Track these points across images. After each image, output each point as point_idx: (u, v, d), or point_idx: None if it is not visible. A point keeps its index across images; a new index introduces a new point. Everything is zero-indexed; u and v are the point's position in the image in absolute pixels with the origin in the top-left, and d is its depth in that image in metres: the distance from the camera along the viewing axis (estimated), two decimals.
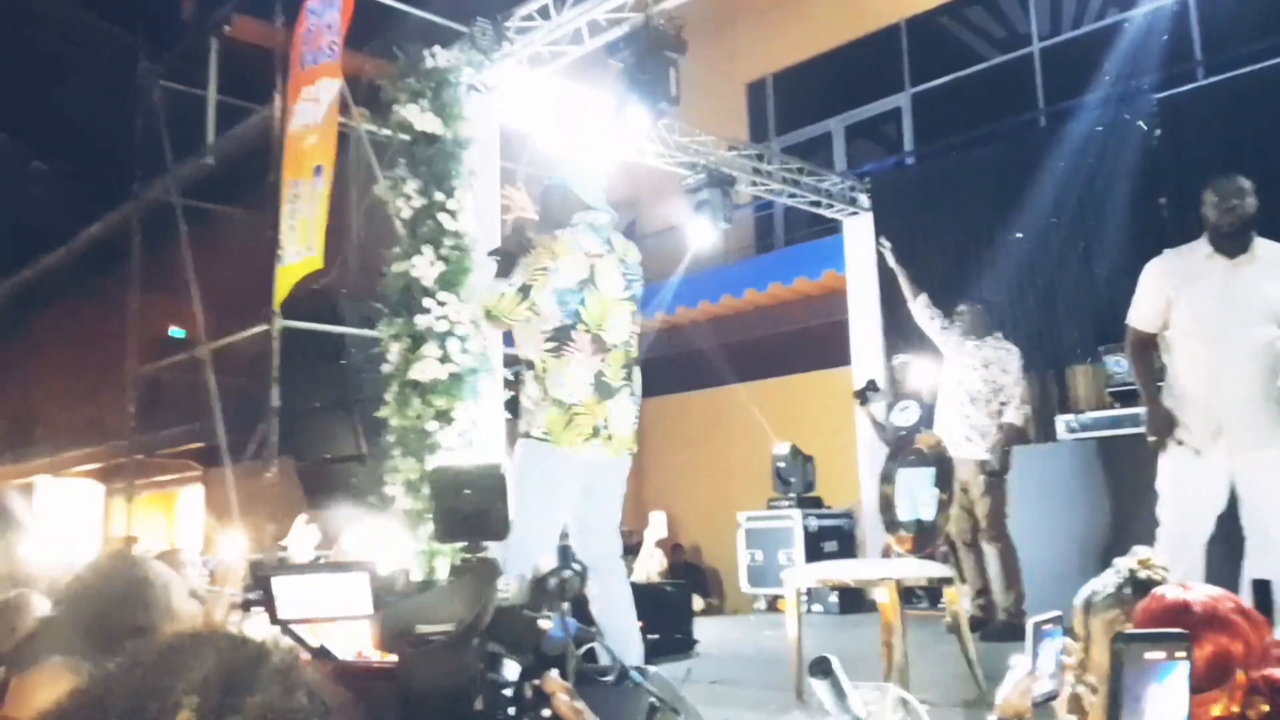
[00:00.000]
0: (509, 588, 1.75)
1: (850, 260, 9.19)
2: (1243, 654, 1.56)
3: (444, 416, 5.61)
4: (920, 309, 6.36)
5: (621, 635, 3.46)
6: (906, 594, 4.73)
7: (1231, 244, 3.96)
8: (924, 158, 10.33)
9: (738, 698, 4.31)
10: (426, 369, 5.62)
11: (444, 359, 5.65)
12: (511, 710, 1.59)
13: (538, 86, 6.49)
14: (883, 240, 7.07)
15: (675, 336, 10.84)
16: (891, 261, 6.74)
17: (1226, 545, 3.94)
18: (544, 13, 6.01)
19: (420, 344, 5.66)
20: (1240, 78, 7.18)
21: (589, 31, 5.98)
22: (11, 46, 13.19)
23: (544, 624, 1.74)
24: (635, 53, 5.59)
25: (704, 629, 6.31)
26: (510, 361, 5.75)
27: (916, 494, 4.54)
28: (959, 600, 4.40)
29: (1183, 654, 1.32)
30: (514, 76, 6.36)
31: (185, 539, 12.83)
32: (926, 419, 6.00)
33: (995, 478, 5.83)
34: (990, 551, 5.83)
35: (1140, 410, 4.75)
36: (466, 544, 1.84)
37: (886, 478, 4.73)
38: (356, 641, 2.58)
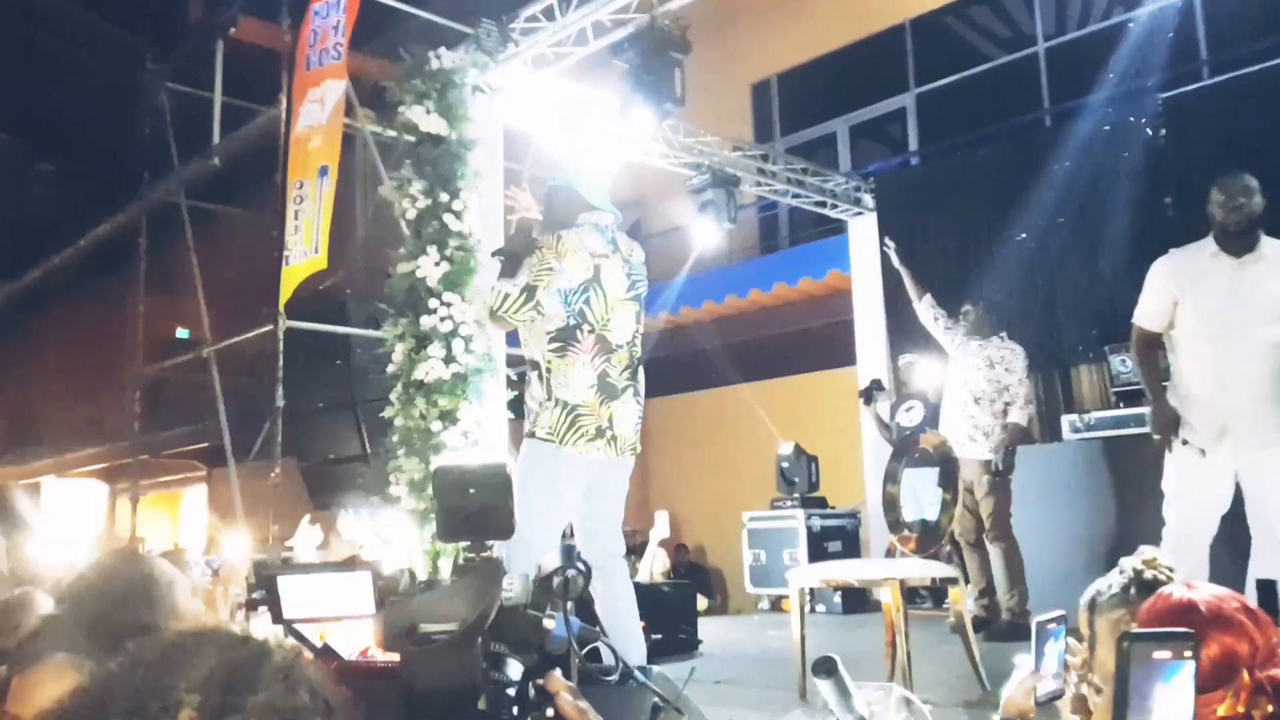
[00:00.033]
0: (512, 587, 1.75)
1: (855, 260, 9.19)
2: (1248, 654, 1.55)
3: (448, 417, 5.62)
4: (925, 309, 6.36)
5: (625, 635, 3.46)
6: (910, 594, 4.73)
7: (1238, 243, 3.95)
8: (929, 158, 10.33)
9: (741, 698, 4.30)
10: (431, 369, 5.63)
11: (448, 359, 5.66)
12: (515, 710, 1.59)
13: (542, 87, 6.50)
14: (887, 241, 7.07)
15: (680, 337, 10.84)
16: (896, 262, 6.74)
17: (1231, 545, 3.94)
18: (549, 14, 6.01)
19: (425, 344, 5.67)
20: (1246, 77, 7.17)
21: (594, 32, 5.98)
22: (15, 47, 13.21)
23: (548, 624, 1.74)
24: (640, 53, 5.59)
25: (707, 629, 6.30)
26: (514, 362, 5.75)
27: (921, 494, 4.54)
28: (963, 600, 4.40)
29: (1189, 653, 1.31)
30: (519, 77, 6.37)
31: (189, 539, 12.85)
32: (931, 419, 6.02)
33: (999, 478, 5.82)
34: (994, 551, 5.82)
35: (1145, 410, 4.74)
36: (470, 543, 1.84)
37: (891, 477, 4.73)
38: (360, 641, 2.58)
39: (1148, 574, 1.91)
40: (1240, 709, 1.49)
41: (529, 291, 3.53)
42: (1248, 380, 3.87)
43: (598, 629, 2.82)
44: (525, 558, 2.17)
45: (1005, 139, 8.75)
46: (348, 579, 1.87)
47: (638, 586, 3.97)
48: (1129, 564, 1.96)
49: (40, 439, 14.80)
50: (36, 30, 13.58)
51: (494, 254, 3.98)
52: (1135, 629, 1.64)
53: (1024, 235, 7.67)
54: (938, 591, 6.85)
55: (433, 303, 5.69)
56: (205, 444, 10.71)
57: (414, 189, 5.85)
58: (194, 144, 8.57)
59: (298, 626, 1.91)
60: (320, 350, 7.48)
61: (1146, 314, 4.16)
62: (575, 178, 3.79)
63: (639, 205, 11.38)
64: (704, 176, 7.96)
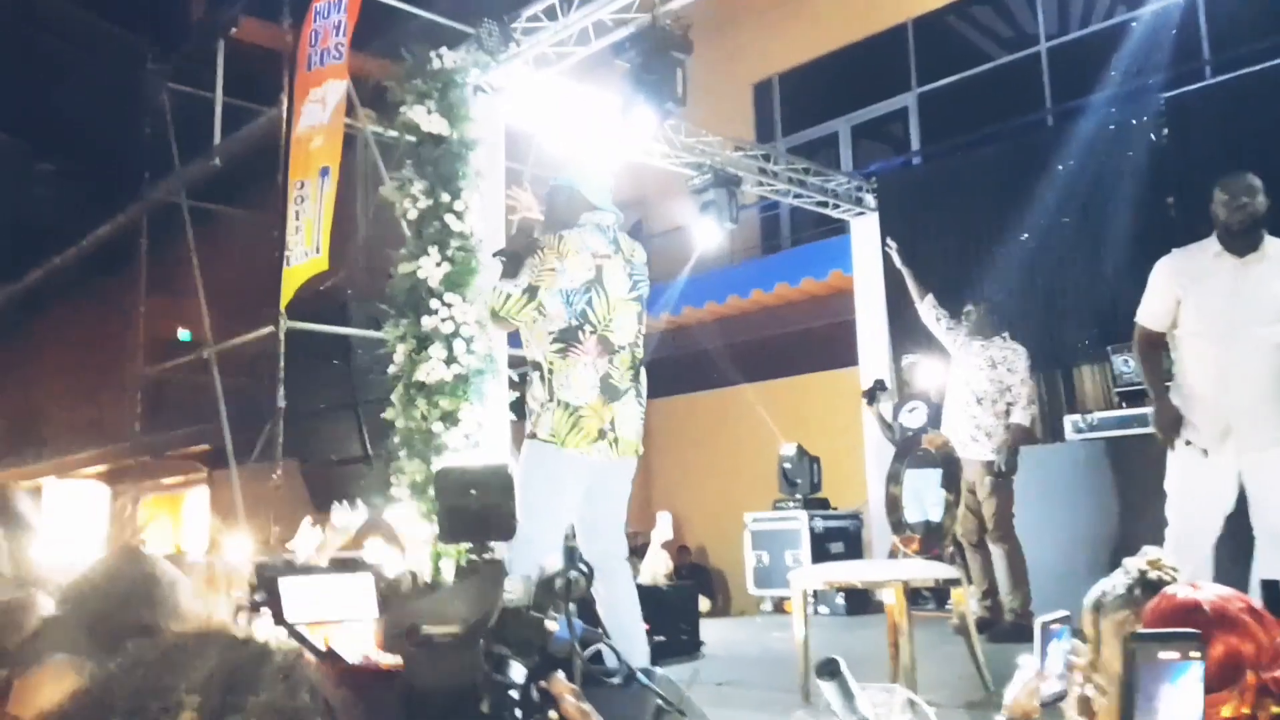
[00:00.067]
0: (515, 589, 1.75)
1: (857, 260, 9.18)
2: (1253, 654, 1.55)
3: (450, 418, 5.61)
4: (927, 309, 6.35)
5: (627, 637, 3.45)
6: (913, 595, 4.71)
7: (1241, 242, 3.95)
8: (930, 157, 10.33)
9: (744, 699, 4.30)
10: (432, 370, 5.62)
11: (450, 360, 5.65)
12: (518, 712, 1.58)
13: (544, 87, 6.49)
14: (889, 241, 7.06)
15: (681, 337, 10.83)
16: (898, 262, 6.74)
17: (1235, 545, 3.92)
18: (550, 14, 6.01)
19: (426, 345, 5.66)
20: (1248, 76, 7.17)
21: (595, 32, 5.98)
22: (16, 47, 13.21)
23: (550, 625, 1.74)
24: (641, 53, 5.59)
25: (710, 630, 6.29)
26: (516, 363, 5.75)
27: (923, 495, 4.53)
28: (966, 601, 4.39)
29: (1196, 654, 1.31)
30: (520, 77, 6.36)
31: (191, 541, 12.84)
32: (934, 419, 6.00)
33: (1002, 478, 5.81)
34: (997, 552, 5.81)
35: (1148, 410, 4.73)
36: (472, 545, 1.83)
37: (893, 478, 4.72)
38: (362, 643, 2.57)
39: (1152, 574, 1.90)
40: (1245, 710, 1.49)
41: (531, 292, 3.53)
42: (1251, 380, 3.86)
43: (600, 630, 2.82)
44: (527, 559, 2.17)
45: (1007, 139, 8.74)
46: (350, 581, 1.86)
47: (639, 588, 3.96)
48: (1133, 564, 1.96)
49: (41, 440, 14.79)
50: (37, 30, 13.58)
51: (495, 254, 3.98)
52: (1140, 629, 1.63)
53: (1026, 235, 7.66)
54: (941, 593, 6.83)
55: (434, 303, 5.68)
56: (206, 446, 10.69)
57: (415, 189, 5.84)
58: (195, 144, 8.56)
59: (299, 628, 1.90)
60: (321, 351, 7.47)
61: (1149, 314, 4.15)
62: (577, 178, 3.79)
63: (640, 205, 11.37)
64: (705, 176, 7.95)
